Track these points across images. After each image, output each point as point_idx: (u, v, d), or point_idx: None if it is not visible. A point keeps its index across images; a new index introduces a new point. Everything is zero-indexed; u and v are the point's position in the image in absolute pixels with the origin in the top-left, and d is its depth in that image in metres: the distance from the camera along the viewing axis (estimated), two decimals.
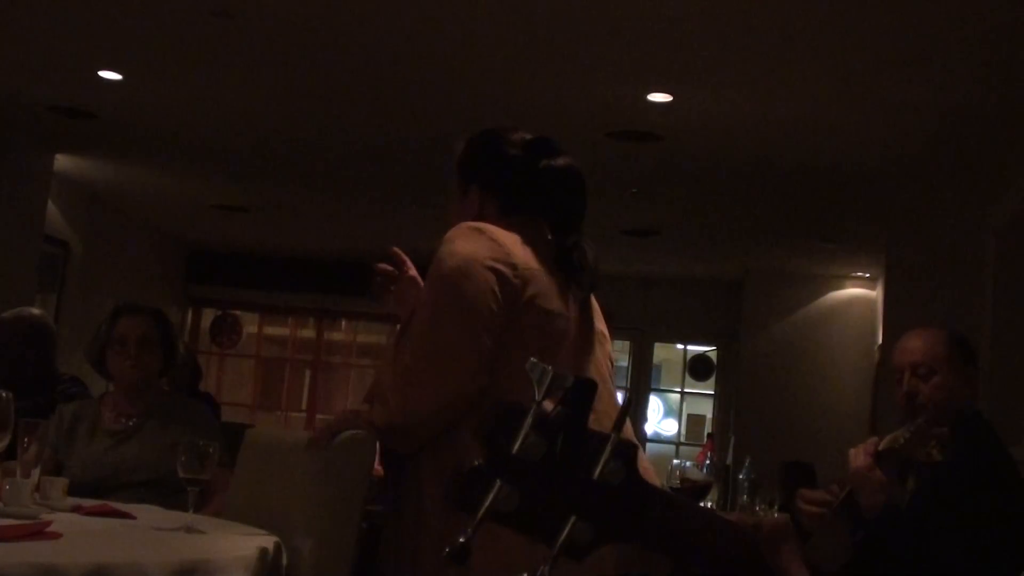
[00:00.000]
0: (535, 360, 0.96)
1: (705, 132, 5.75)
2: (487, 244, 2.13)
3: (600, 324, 2.32)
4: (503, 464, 0.93)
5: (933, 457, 2.19)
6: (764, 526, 2.38)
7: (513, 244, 2.15)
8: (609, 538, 0.96)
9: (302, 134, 6.49)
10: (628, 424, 2.24)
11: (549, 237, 2.23)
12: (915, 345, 2.71)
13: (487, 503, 0.92)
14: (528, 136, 2.33)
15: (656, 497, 1.00)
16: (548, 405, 0.95)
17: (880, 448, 2.36)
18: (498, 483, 0.92)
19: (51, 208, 7.69)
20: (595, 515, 0.95)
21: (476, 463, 0.93)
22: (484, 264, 2.09)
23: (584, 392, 0.95)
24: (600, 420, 1.00)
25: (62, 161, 7.51)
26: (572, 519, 0.94)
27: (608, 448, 0.95)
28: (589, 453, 0.95)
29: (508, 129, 2.35)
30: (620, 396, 2.92)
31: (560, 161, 2.30)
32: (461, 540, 0.92)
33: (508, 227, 2.20)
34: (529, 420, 0.93)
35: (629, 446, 0.96)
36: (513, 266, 2.12)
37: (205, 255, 10.81)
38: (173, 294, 10.53)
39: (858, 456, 2.43)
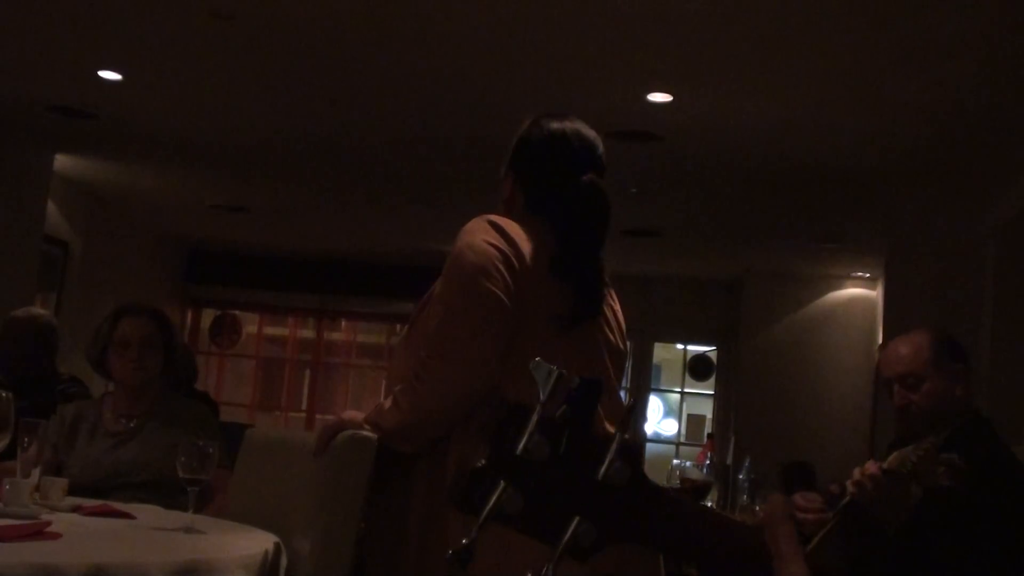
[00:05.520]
0: (539, 360, 0.95)
1: (705, 132, 5.74)
2: (503, 241, 2.13)
3: (618, 340, 2.30)
4: (507, 465, 0.92)
5: (941, 483, 2.18)
6: (762, 509, 2.34)
7: (526, 243, 2.15)
8: (614, 539, 0.95)
9: (302, 134, 6.49)
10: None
11: (561, 239, 2.21)
12: (899, 355, 2.68)
13: (491, 504, 0.92)
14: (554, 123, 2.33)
15: (661, 498, 1.00)
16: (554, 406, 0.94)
17: (884, 467, 2.34)
18: (502, 484, 0.92)
19: (51, 208, 7.68)
20: (600, 516, 0.94)
21: (480, 464, 0.92)
22: (501, 261, 2.10)
23: (589, 393, 0.94)
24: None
25: (62, 161, 7.50)
26: (576, 520, 0.94)
27: (613, 448, 0.95)
28: (594, 454, 0.95)
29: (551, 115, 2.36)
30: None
31: (576, 140, 2.30)
32: (465, 542, 0.92)
33: (528, 223, 2.19)
34: (533, 420, 0.93)
35: (634, 447, 0.96)
36: (527, 267, 2.12)
37: (205, 255, 10.80)
38: (173, 294, 10.52)
39: (865, 483, 2.38)
